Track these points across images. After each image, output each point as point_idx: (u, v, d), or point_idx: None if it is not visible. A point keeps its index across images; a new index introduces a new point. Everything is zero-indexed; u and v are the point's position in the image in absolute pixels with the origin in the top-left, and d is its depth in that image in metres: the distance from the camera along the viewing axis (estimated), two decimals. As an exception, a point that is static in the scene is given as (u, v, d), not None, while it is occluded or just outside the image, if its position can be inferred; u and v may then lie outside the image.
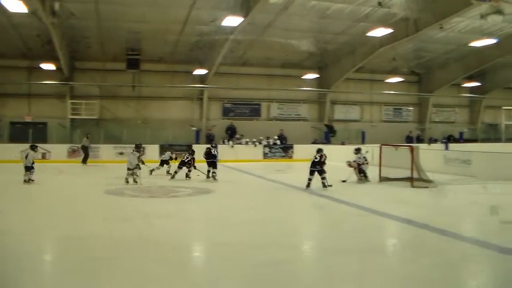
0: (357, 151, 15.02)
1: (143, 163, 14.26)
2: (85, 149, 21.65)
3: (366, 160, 14.82)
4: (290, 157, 25.42)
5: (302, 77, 28.00)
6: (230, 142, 25.03)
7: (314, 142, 26.39)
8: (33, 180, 13.50)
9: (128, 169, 13.63)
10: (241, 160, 23.54)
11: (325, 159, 12.96)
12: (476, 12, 18.41)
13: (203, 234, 7.89)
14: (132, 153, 13.95)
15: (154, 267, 5.57)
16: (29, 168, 13.40)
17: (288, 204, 11.19)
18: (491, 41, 21.84)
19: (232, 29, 19.35)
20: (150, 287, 4.97)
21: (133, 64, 23.82)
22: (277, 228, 8.16)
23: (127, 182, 13.45)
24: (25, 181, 13.39)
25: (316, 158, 12.79)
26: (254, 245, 6.74)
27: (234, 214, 9.54)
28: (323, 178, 12.66)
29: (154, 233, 7.64)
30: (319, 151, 13.08)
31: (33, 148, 14.25)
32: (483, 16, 16.84)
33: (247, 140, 25.27)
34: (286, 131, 26.86)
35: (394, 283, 5.33)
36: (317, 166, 12.66)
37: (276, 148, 25.52)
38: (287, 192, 13.03)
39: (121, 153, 22.13)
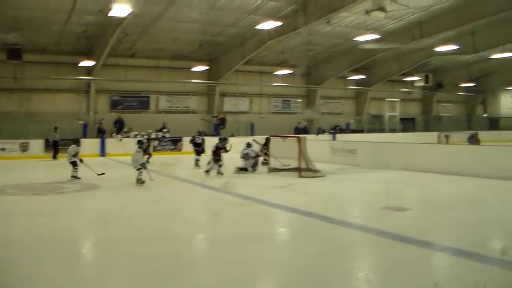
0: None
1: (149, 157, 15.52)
2: None
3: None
4: (180, 150, 28.08)
5: (191, 69, 30.96)
6: (119, 136, 27.15)
7: (201, 133, 29.66)
8: None
9: (137, 169, 13.57)
10: (130, 153, 25.51)
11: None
12: (361, 8, 21.57)
13: (90, 230, 8.61)
14: (136, 151, 14.02)
15: (39, 264, 6.11)
16: None
17: (175, 197, 12.34)
18: (375, 36, 25.66)
19: (120, 20, 20.98)
20: (35, 284, 5.43)
21: (14, 54, 24.65)
22: (164, 221, 9.03)
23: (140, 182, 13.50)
24: None
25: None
26: (141, 239, 7.44)
27: (122, 209, 10.42)
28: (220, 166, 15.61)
29: (38, 231, 8.15)
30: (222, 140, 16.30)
31: None
32: (367, 12, 20.59)
33: (136, 133, 27.48)
34: (175, 123, 29.65)
35: (282, 271, 6.05)
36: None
37: (165, 141, 28.13)
38: (174, 185, 14.16)
39: (3, 149, 23.48)
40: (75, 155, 15.19)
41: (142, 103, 30.89)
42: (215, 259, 6.54)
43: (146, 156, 15.20)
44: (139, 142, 14.87)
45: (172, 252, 6.70)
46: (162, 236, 7.70)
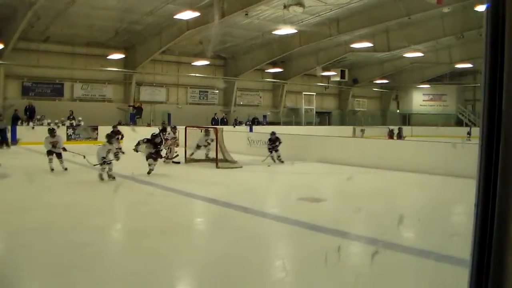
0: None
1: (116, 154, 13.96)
2: None
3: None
4: (95, 138, 28.45)
5: (108, 57, 31.27)
6: (31, 124, 27.24)
7: (119, 124, 30.26)
8: None
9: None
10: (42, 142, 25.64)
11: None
12: (280, 2, 22.68)
13: (1, 221, 8.36)
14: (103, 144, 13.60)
15: None
16: None
17: (90, 187, 12.32)
18: (292, 30, 27.14)
19: (32, 2, 20.96)
20: None
21: None
22: (80, 211, 9.13)
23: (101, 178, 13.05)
24: None
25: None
26: (56, 230, 7.52)
27: (35, 199, 10.32)
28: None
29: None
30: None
31: None
32: (285, 7, 21.73)
33: (49, 121, 27.65)
34: (91, 112, 30.03)
35: (198, 260, 6.33)
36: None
37: (80, 130, 28.40)
38: (89, 174, 13.72)
39: None
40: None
41: (55, 90, 30.94)
42: (130, 250, 6.74)
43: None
44: (108, 136, 13.89)
45: (85, 243, 6.74)
46: (75, 227, 7.71)
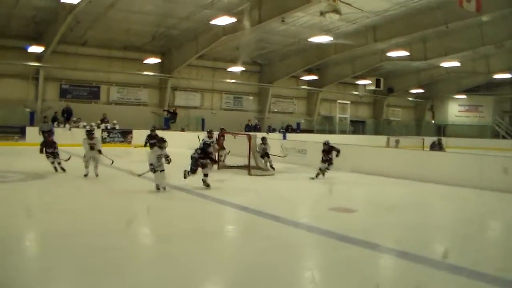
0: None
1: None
2: None
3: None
4: (130, 142, 28.65)
5: (144, 61, 31.39)
6: (67, 125, 27.54)
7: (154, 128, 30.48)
8: None
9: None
10: (78, 144, 25.86)
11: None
12: (316, 9, 22.14)
13: (33, 222, 8.38)
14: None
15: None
16: None
17: (122, 191, 12.11)
18: (328, 38, 27.04)
19: (73, 6, 21.18)
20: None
21: None
22: (111, 215, 9.18)
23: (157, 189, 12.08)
24: None
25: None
26: (85, 232, 7.57)
27: (67, 200, 10.50)
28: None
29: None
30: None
31: None
32: (322, 14, 21.61)
33: (85, 123, 27.99)
34: (126, 116, 30.38)
35: (228, 268, 6.33)
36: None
37: (115, 133, 28.70)
38: (122, 179, 13.79)
39: None
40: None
41: (92, 93, 31.33)
42: (158, 256, 6.73)
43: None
44: (160, 140, 12.23)
45: (112, 246, 6.77)
46: (103, 231, 7.81)
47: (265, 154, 17.49)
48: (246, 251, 7.08)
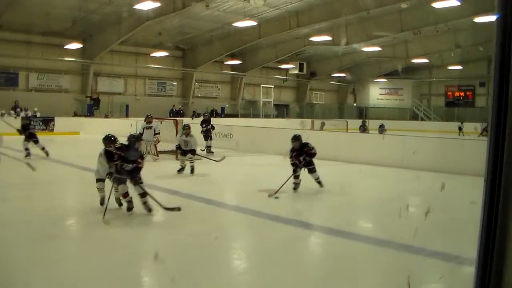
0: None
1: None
2: None
3: None
4: (52, 130, 28.19)
5: (65, 47, 30.80)
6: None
7: (75, 115, 30.13)
8: None
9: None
10: None
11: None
12: None
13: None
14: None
15: None
16: None
17: (53, 179, 12.41)
18: (252, 23, 27.52)
19: None
20: None
21: None
22: (42, 203, 9.25)
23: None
24: None
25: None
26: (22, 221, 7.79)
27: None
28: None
29: None
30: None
31: None
32: None
33: (3, 111, 27.26)
34: (47, 103, 29.67)
35: (164, 251, 6.21)
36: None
37: (36, 121, 28.02)
38: (51, 167, 14.25)
39: None
40: None
41: (9, 79, 30.29)
42: (103, 239, 6.88)
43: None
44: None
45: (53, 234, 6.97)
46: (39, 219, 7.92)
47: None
48: (179, 234, 7.29)
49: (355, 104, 51.20)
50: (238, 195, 11.26)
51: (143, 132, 15.56)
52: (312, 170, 10.70)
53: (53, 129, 28.19)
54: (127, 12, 26.63)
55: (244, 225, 7.99)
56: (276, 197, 9.04)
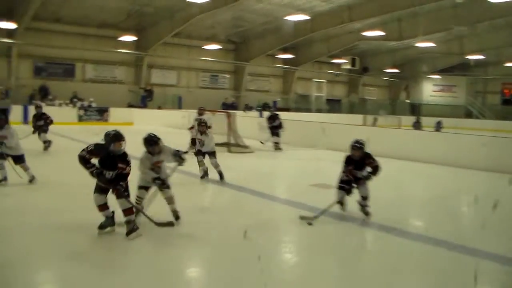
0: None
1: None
2: None
3: None
4: (106, 120, 28.73)
5: (119, 39, 31.14)
6: (43, 104, 27.28)
7: (130, 106, 30.51)
8: None
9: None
10: (56, 122, 25.68)
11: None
12: None
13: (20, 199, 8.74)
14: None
15: None
16: None
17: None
18: (304, 17, 26.83)
19: None
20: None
21: None
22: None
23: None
24: None
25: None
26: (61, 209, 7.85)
27: (48, 176, 10.47)
28: None
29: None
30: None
31: None
32: None
33: (61, 101, 27.93)
34: (102, 93, 30.19)
35: (214, 244, 6.47)
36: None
37: (91, 111, 28.63)
38: None
39: None
40: None
41: (67, 70, 30.86)
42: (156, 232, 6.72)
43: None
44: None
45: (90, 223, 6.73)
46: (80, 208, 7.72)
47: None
48: (231, 227, 7.22)
49: (407, 101, 50.21)
50: (289, 189, 11.11)
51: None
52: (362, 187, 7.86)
53: (108, 119, 28.69)
54: (180, 5, 26.77)
55: (295, 219, 7.66)
56: (310, 223, 7.21)
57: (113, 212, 6.64)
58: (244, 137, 17.69)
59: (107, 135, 6.48)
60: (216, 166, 10.77)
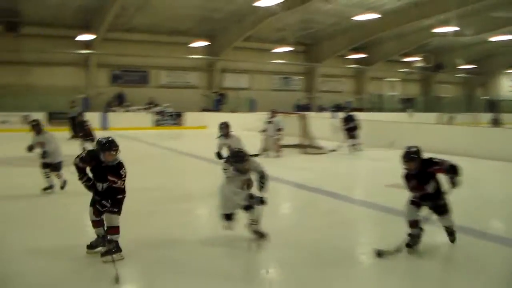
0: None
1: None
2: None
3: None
4: (181, 124, 29.38)
5: (190, 45, 31.66)
6: (122, 110, 28.46)
7: (203, 110, 31.01)
8: None
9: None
10: (133, 127, 26.81)
11: None
12: None
13: None
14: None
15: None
16: None
17: (181, 171, 13.11)
18: (374, 16, 26.22)
19: None
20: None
21: (12, 27, 25.80)
22: (170, 193, 9.58)
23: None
24: None
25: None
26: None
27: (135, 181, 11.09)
28: None
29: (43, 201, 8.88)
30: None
31: None
32: None
33: (139, 107, 28.90)
34: (176, 98, 30.67)
35: (289, 243, 6.30)
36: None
37: (167, 116, 29.31)
38: (179, 159, 15.39)
39: (4, 122, 24.49)
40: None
41: (142, 77, 31.99)
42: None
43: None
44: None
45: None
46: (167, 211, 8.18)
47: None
48: (307, 228, 7.17)
49: (484, 97, 48.49)
50: (364, 190, 11.00)
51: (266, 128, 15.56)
52: (442, 210, 6.04)
53: (182, 124, 29.31)
54: (248, 9, 26.81)
55: (371, 220, 7.67)
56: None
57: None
58: (318, 138, 17.45)
59: (98, 142, 5.70)
60: None
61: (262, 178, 6.30)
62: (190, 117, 29.40)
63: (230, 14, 28.70)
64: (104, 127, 26.63)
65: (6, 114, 25.00)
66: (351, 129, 16.61)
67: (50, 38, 28.17)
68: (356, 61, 40.34)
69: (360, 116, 17.81)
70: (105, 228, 5.68)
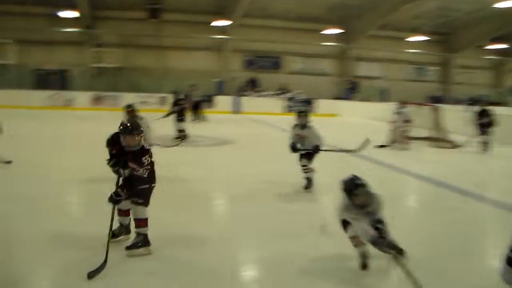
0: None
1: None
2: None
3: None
4: (312, 111, 29.30)
5: (322, 32, 31.42)
6: (254, 94, 29.15)
7: (336, 98, 30.83)
8: None
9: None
10: (265, 112, 27.23)
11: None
12: None
13: (221, 185, 9.08)
14: None
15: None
16: None
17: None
18: None
19: None
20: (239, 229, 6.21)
21: (153, 13, 27.51)
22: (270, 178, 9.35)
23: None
24: None
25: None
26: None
27: (247, 165, 11.14)
28: None
29: (176, 178, 8.96)
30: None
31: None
32: None
33: (272, 92, 29.37)
34: (308, 85, 30.84)
35: (409, 237, 5.63)
36: None
37: (299, 102, 29.43)
38: None
39: (144, 102, 25.41)
40: None
41: (274, 63, 32.51)
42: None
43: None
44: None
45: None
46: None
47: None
48: (427, 222, 6.95)
49: None
50: (497, 189, 9.98)
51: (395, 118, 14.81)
52: None
53: (314, 111, 29.26)
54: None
55: (501, 221, 7.09)
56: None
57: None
58: (451, 132, 16.35)
59: (120, 124, 5.19)
60: (306, 170, 8.48)
61: (378, 223, 4.74)
62: (322, 105, 29.28)
63: (364, 1, 28.25)
64: (237, 110, 27.35)
65: (147, 95, 26.29)
66: (484, 124, 14.95)
67: (187, 23, 29.62)
68: (496, 52, 38.10)
69: (497, 110, 16.53)
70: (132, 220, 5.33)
